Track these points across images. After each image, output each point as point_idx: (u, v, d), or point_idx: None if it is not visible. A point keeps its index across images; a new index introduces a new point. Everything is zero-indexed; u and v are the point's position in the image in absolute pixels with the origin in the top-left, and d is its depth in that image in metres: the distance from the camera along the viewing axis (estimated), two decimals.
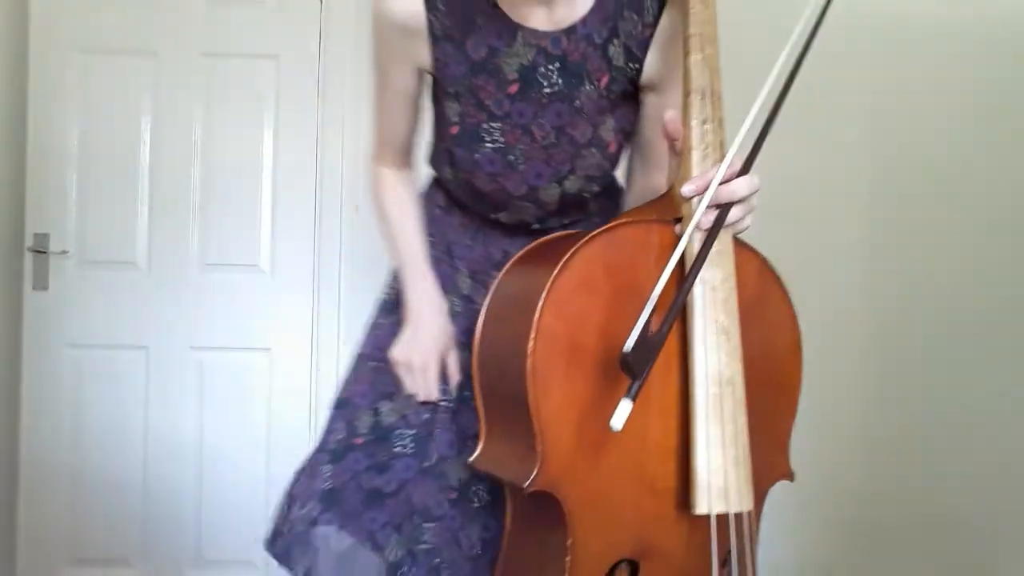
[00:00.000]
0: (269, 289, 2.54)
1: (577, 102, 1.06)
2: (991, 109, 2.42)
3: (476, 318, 1.03)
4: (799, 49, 0.86)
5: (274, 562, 1.09)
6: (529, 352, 0.81)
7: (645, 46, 1.04)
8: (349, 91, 2.51)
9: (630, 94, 1.09)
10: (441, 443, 1.10)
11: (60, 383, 2.50)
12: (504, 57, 1.04)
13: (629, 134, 1.13)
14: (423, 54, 1.06)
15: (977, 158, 2.42)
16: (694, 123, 0.87)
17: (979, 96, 2.42)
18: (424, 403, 1.12)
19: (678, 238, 0.85)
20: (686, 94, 0.89)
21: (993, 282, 2.42)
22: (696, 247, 0.84)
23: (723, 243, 0.86)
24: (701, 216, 0.83)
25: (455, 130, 1.08)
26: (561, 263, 0.83)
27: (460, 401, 1.13)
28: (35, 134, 2.49)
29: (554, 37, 1.04)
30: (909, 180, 2.43)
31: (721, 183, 0.84)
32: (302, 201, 2.54)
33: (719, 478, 0.83)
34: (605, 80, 1.05)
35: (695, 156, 0.87)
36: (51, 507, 2.49)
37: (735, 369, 0.85)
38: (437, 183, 1.24)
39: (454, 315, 1.18)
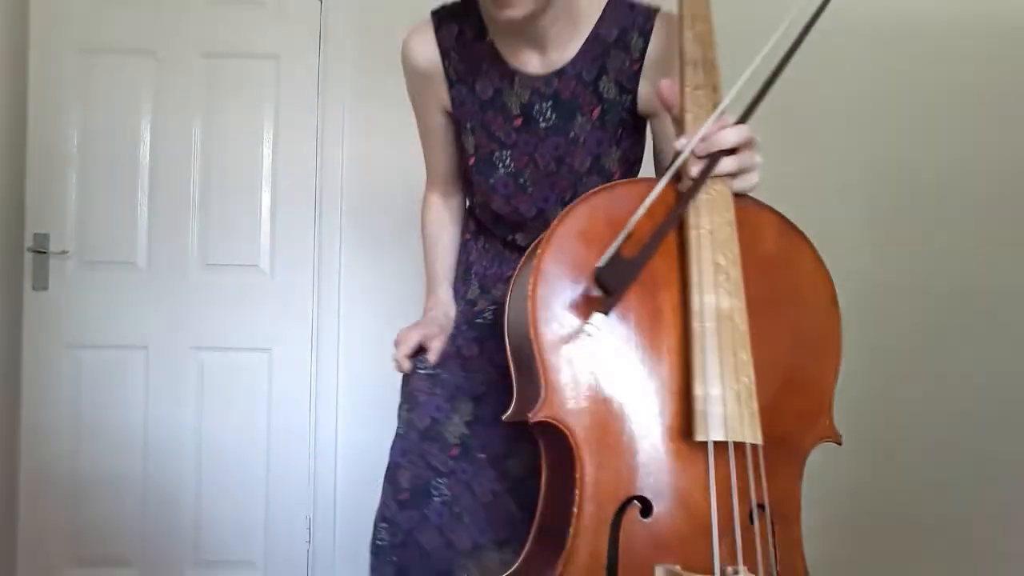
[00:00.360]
0: (269, 289, 2.54)
1: (572, 134, 1.18)
2: (990, 101, 2.42)
3: (472, 316, 1.27)
4: (804, 16, 0.91)
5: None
6: (530, 293, 0.89)
7: (635, 78, 1.15)
8: (349, 91, 2.51)
9: (631, 124, 1.19)
10: (430, 407, 1.24)
11: (60, 383, 2.51)
12: (507, 97, 1.18)
13: (634, 163, 1.24)
14: (443, 95, 1.22)
15: (976, 152, 2.42)
16: (688, 89, 0.96)
17: (978, 88, 2.42)
18: (406, 376, 1.28)
19: (678, 193, 0.91)
20: (681, 65, 0.98)
21: (993, 279, 2.42)
22: (698, 200, 0.91)
23: (720, 191, 0.91)
24: (686, 159, 0.90)
25: (472, 160, 1.22)
26: (562, 214, 0.92)
27: (435, 375, 1.26)
28: (35, 134, 2.50)
29: (546, 79, 1.16)
30: (908, 175, 2.44)
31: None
32: (302, 201, 2.54)
33: (718, 406, 0.85)
34: (597, 112, 1.17)
35: (688, 118, 0.94)
36: (51, 507, 2.49)
37: (735, 305, 0.88)
38: (470, 212, 1.38)
39: (456, 315, 1.32)
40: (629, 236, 0.86)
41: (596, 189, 0.93)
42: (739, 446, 0.86)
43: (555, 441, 0.89)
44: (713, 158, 0.89)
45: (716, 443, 0.85)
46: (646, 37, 1.13)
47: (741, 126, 0.90)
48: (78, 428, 2.51)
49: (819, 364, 0.95)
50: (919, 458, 2.42)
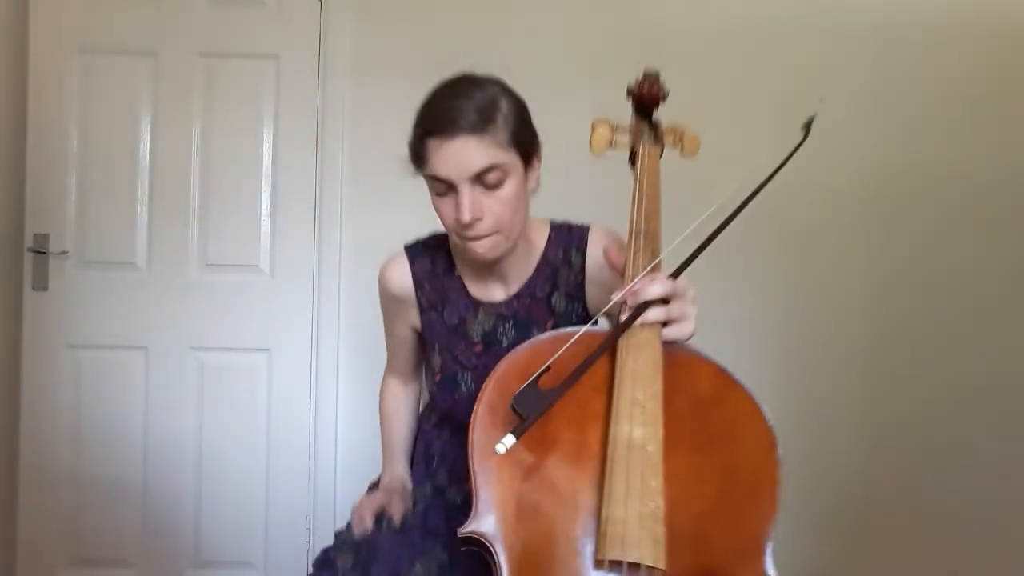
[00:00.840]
0: (269, 289, 2.54)
1: None
2: (990, 100, 2.42)
3: (433, 480, 1.37)
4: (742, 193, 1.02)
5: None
6: (472, 420, 0.99)
7: (581, 288, 1.32)
8: (349, 91, 2.51)
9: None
10: (391, 559, 1.24)
11: (60, 383, 2.51)
12: (470, 325, 1.34)
13: None
14: (414, 318, 1.38)
15: (976, 152, 2.42)
16: (631, 253, 1.09)
17: (979, 88, 2.42)
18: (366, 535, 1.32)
19: (615, 337, 1.00)
20: (629, 233, 1.12)
21: (991, 284, 2.42)
22: (628, 355, 0.99)
23: (648, 336, 0.99)
24: (612, 306, 1.01)
25: (438, 377, 1.36)
26: (510, 353, 1.03)
27: (400, 532, 1.30)
28: (35, 134, 2.50)
29: (507, 303, 1.33)
30: (907, 183, 2.43)
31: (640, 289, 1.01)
32: (302, 201, 2.54)
33: (618, 527, 0.89)
34: (550, 324, 1.32)
35: (628, 275, 1.06)
36: (51, 508, 2.49)
37: (648, 436, 0.93)
38: (433, 406, 1.47)
39: (429, 495, 1.39)
40: (561, 379, 0.95)
41: (547, 333, 1.06)
42: (652, 570, 0.89)
43: (489, 558, 0.95)
44: (639, 308, 0.98)
45: (630, 564, 0.88)
46: (583, 252, 1.31)
47: (669, 280, 0.99)
48: (78, 428, 2.51)
49: (752, 507, 0.97)
50: (918, 457, 2.41)
